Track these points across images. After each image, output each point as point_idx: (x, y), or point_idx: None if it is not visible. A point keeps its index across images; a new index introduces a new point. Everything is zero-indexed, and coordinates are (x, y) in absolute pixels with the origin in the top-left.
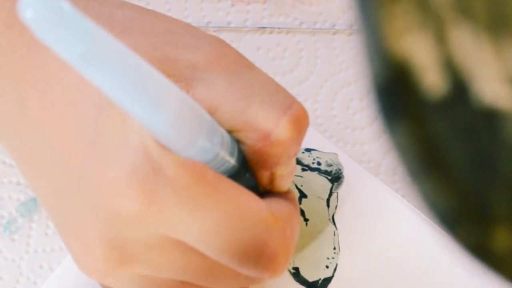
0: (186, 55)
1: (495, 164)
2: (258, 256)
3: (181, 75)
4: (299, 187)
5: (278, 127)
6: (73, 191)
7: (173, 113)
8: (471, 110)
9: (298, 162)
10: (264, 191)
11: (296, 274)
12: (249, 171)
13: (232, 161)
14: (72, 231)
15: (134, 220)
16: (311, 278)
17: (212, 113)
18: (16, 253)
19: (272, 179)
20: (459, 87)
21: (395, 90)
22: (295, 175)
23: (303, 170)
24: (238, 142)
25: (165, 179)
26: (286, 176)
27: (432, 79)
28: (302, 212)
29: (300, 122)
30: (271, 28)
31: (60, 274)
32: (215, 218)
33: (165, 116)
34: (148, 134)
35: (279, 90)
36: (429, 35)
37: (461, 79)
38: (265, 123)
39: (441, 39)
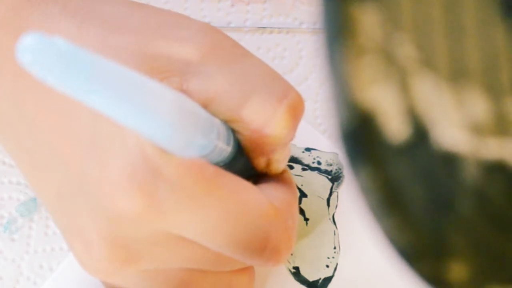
0: (179, 48)
1: (452, 204)
2: (261, 249)
3: (175, 70)
4: (300, 186)
5: (274, 119)
6: (74, 193)
7: (170, 123)
8: (431, 154)
9: (298, 161)
10: (260, 174)
11: (297, 273)
12: (244, 155)
13: (228, 149)
14: (75, 232)
15: (136, 220)
16: (311, 278)
17: (207, 105)
18: (16, 253)
19: (268, 164)
20: (421, 133)
21: (359, 137)
22: (295, 175)
23: (303, 169)
24: (234, 131)
25: (164, 180)
26: (282, 160)
27: (395, 126)
28: (302, 212)
29: (296, 110)
30: (271, 28)
31: (60, 274)
32: (217, 215)
33: (162, 127)
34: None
35: (274, 77)
36: (393, 86)
37: (422, 125)
38: (261, 115)
39: (404, 89)
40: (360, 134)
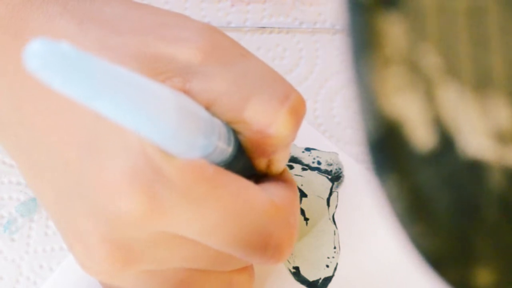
0: (180, 49)
1: (478, 211)
2: (264, 247)
3: (176, 70)
4: (299, 186)
5: (277, 121)
6: (73, 195)
7: (172, 125)
8: (457, 162)
9: (298, 161)
10: (260, 174)
11: (297, 273)
12: (245, 155)
13: (229, 149)
14: (75, 234)
15: (137, 221)
16: (311, 278)
17: (209, 106)
18: (16, 253)
19: (269, 164)
20: (446, 141)
21: (386, 146)
22: (295, 175)
23: (303, 169)
24: (235, 131)
25: (165, 181)
26: (283, 160)
27: (421, 135)
28: (302, 212)
29: (298, 111)
30: (271, 28)
31: (60, 274)
32: (218, 215)
33: (164, 129)
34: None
35: (276, 78)
36: (419, 95)
37: (448, 134)
38: (263, 116)
39: (430, 98)
40: (387, 143)
